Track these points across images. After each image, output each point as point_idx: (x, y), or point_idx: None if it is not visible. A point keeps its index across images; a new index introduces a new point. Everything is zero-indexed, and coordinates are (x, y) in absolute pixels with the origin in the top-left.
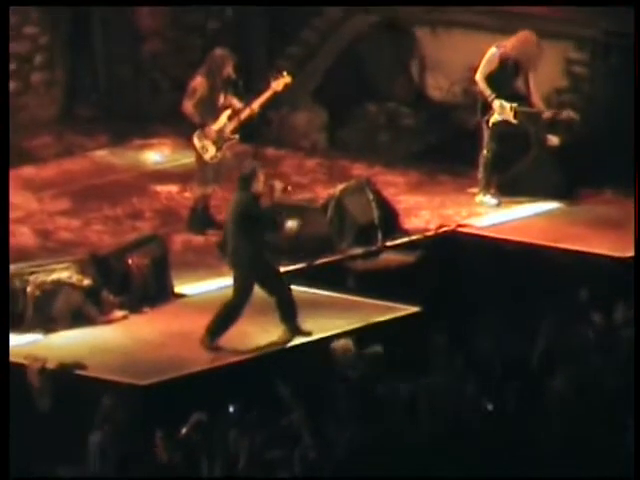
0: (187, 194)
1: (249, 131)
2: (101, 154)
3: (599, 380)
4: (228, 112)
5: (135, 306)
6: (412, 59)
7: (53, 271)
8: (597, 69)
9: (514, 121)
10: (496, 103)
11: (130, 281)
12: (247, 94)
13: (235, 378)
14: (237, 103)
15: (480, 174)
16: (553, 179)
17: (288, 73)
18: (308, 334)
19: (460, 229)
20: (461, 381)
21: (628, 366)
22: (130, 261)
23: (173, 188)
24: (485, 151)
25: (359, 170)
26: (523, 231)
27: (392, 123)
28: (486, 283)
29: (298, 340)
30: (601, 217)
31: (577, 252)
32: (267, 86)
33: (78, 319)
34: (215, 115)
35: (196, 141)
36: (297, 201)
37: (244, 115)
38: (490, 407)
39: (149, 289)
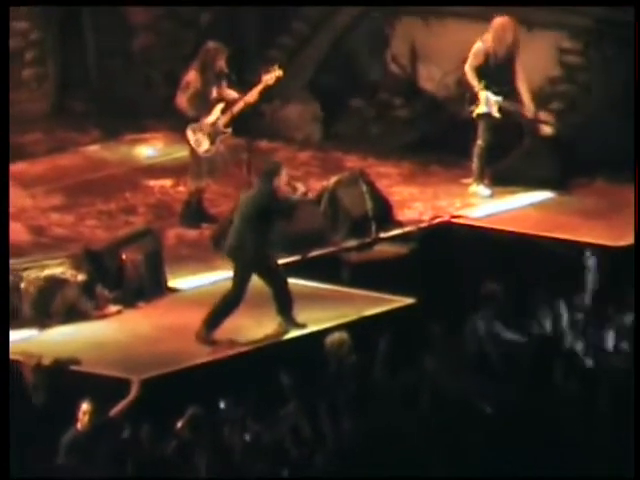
0: (181, 188)
1: (242, 124)
2: (93, 149)
3: (597, 371)
4: (221, 105)
5: (129, 301)
6: (404, 50)
7: (47, 267)
8: (591, 58)
9: (497, 115)
10: (482, 95)
11: (124, 276)
12: (240, 86)
13: (231, 371)
14: (230, 96)
15: (474, 164)
16: (546, 169)
17: (280, 66)
18: (303, 327)
19: (454, 220)
20: (459, 371)
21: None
22: (124, 256)
23: (166, 182)
24: (480, 141)
25: (352, 162)
26: (517, 221)
27: (385, 114)
28: (480, 274)
29: (293, 333)
30: (594, 207)
31: (571, 242)
32: (259, 79)
33: (72, 314)
34: (208, 108)
35: (190, 135)
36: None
37: (237, 108)
38: (488, 409)
39: (143, 284)
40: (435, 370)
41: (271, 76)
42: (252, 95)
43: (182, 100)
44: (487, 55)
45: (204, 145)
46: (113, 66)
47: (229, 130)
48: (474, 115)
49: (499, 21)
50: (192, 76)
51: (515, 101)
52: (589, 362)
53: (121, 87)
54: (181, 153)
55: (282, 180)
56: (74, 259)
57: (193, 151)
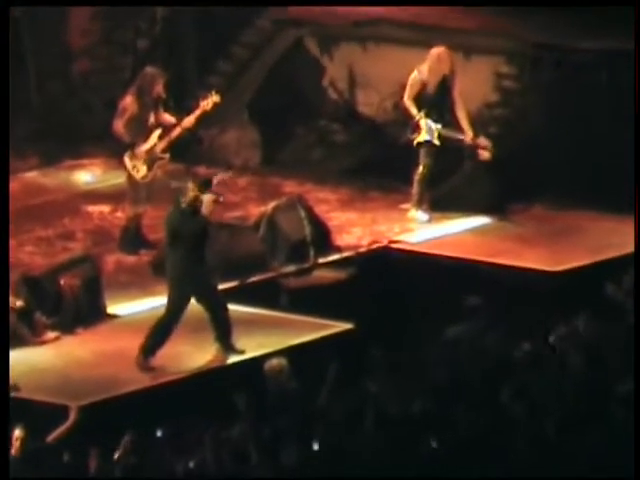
0: (119, 214)
1: (180, 150)
2: (32, 175)
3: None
4: (159, 131)
5: (68, 327)
6: (342, 75)
7: None
8: (527, 83)
9: (437, 143)
10: (423, 123)
11: (62, 302)
12: (178, 112)
13: (170, 397)
14: (168, 121)
15: (414, 190)
16: (485, 193)
17: (217, 91)
18: (242, 352)
19: (392, 245)
20: (402, 395)
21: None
22: (62, 282)
23: (105, 208)
24: (421, 167)
25: (290, 187)
26: (455, 246)
27: (323, 140)
28: (419, 299)
29: (232, 359)
30: (533, 231)
31: (510, 267)
32: (197, 105)
33: (11, 340)
34: (146, 134)
35: (127, 161)
36: (229, 219)
37: (174, 134)
38: (434, 444)
39: (81, 310)
40: (378, 394)
41: (208, 102)
42: (189, 120)
43: (119, 126)
44: (424, 85)
45: (142, 171)
46: (52, 91)
47: (167, 156)
48: (415, 143)
49: (435, 52)
50: (128, 101)
51: (454, 128)
52: (533, 384)
53: (60, 113)
54: (119, 179)
55: (188, 197)
56: (12, 285)
57: (131, 177)
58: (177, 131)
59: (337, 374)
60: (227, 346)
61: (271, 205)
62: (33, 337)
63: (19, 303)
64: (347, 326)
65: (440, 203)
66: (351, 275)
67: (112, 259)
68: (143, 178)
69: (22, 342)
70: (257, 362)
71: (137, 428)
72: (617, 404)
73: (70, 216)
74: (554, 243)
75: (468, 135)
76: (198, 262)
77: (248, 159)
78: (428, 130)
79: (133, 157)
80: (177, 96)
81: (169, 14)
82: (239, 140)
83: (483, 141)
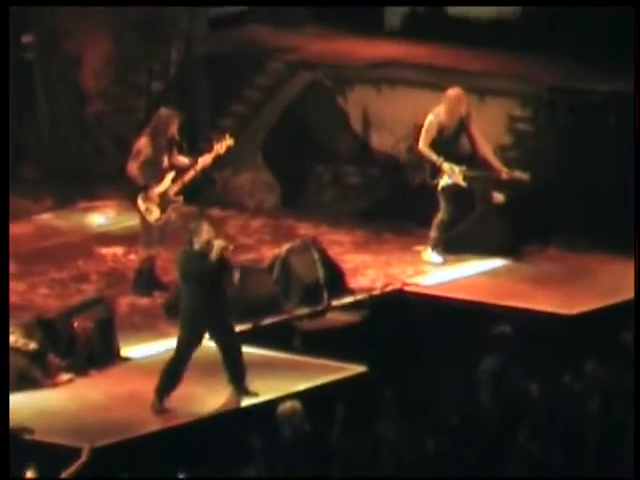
0: (132, 256)
1: (193, 192)
2: (46, 217)
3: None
4: (172, 174)
5: (81, 369)
6: (356, 117)
7: None
8: (541, 126)
9: (463, 184)
10: (446, 167)
11: (76, 344)
12: (191, 154)
13: (182, 440)
14: (182, 164)
15: (432, 233)
16: (498, 236)
17: (231, 134)
18: (255, 395)
19: (406, 288)
20: (416, 438)
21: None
22: (76, 324)
23: (118, 250)
24: (441, 213)
25: (305, 230)
26: (469, 289)
27: (337, 182)
28: (432, 341)
29: (246, 401)
30: (546, 274)
31: (523, 310)
32: (210, 147)
33: (24, 383)
34: (159, 176)
35: (140, 203)
36: (243, 262)
37: (187, 177)
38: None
39: (95, 352)
40: (392, 436)
41: (222, 145)
42: (203, 163)
43: (133, 168)
44: (441, 127)
45: (155, 214)
46: (65, 133)
47: (180, 199)
48: (439, 188)
49: (452, 93)
50: (143, 143)
51: (475, 167)
52: (548, 427)
53: (73, 154)
54: (133, 221)
55: (200, 240)
56: (26, 327)
57: (144, 219)
58: (190, 174)
59: (345, 416)
60: (241, 389)
61: (285, 247)
62: (46, 379)
63: (32, 345)
64: (360, 369)
65: (453, 245)
66: (365, 318)
67: (126, 301)
68: (156, 220)
69: (35, 384)
70: (271, 405)
71: (150, 470)
72: (630, 446)
73: (84, 258)
74: (568, 285)
75: (503, 170)
76: (210, 302)
77: (262, 201)
78: (451, 173)
79: (146, 199)
80: (190, 138)
81: (183, 57)
82: (253, 182)
83: (519, 174)
